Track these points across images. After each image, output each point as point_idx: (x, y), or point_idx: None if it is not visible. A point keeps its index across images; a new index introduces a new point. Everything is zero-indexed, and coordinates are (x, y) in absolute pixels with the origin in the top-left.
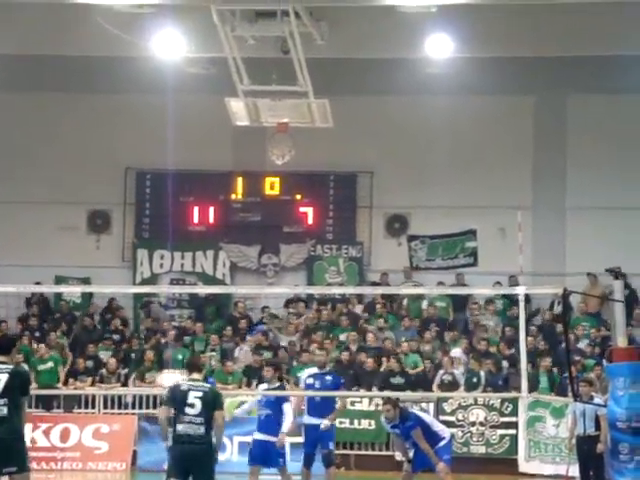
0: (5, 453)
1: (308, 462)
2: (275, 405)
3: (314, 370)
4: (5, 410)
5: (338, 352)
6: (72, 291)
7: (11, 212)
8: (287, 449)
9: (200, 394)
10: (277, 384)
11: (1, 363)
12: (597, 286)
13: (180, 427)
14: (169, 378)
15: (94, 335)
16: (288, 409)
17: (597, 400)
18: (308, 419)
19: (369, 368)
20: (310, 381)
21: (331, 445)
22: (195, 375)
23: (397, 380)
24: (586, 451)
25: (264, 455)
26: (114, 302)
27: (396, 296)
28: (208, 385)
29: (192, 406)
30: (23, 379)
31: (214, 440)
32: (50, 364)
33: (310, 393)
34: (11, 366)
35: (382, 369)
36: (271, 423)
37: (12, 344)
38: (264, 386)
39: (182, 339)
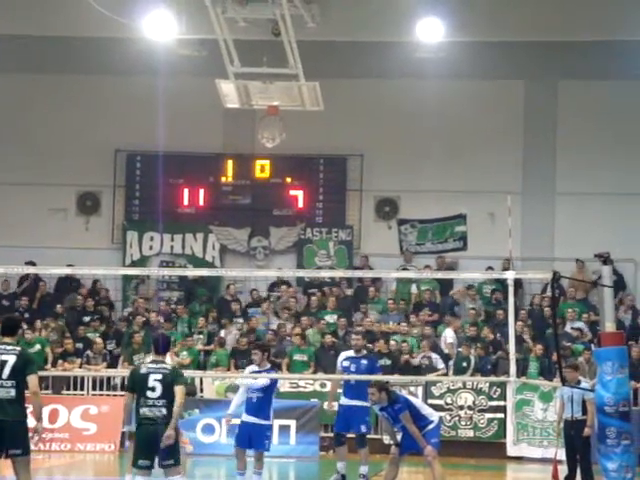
0: (12, 436)
1: (338, 441)
2: (267, 388)
3: (350, 353)
4: (13, 392)
5: (321, 336)
6: (61, 273)
7: (1, 194)
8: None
9: (160, 376)
10: (268, 366)
11: (8, 344)
12: (584, 272)
13: (143, 410)
14: None
15: (83, 317)
16: (260, 380)
17: (584, 384)
18: (344, 400)
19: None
20: (346, 364)
21: (363, 428)
22: (159, 357)
23: (384, 362)
24: (573, 435)
25: (251, 438)
26: (98, 283)
27: (380, 280)
28: (169, 366)
29: (153, 389)
30: (29, 359)
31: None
32: (37, 346)
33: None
34: (18, 348)
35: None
36: (262, 406)
37: (18, 325)
38: (253, 368)
39: (173, 321)
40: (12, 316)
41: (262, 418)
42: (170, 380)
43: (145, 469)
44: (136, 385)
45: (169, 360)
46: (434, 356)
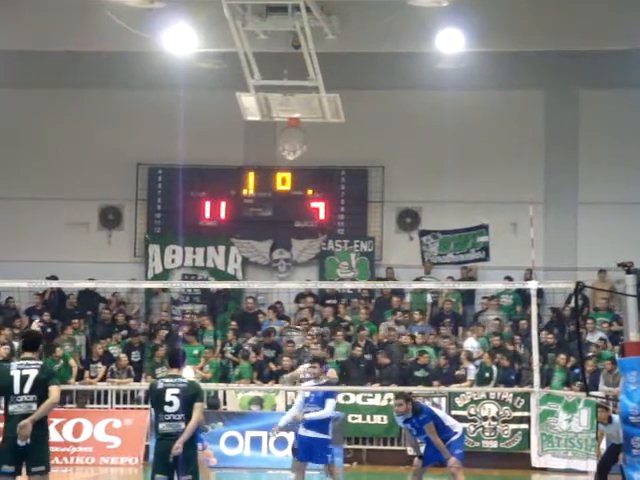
0: (35, 453)
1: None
2: (323, 401)
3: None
4: (35, 407)
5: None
6: (83, 287)
7: (23, 208)
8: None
9: (177, 391)
10: (324, 380)
11: (30, 359)
12: (606, 281)
13: (161, 425)
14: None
15: (107, 330)
16: (329, 404)
17: (615, 418)
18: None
19: (385, 364)
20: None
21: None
22: (174, 371)
23: (421, 373)
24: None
25: (311, 451)
26: (116, 296)
27: (402, 291)
28: (186, 380)
29: (170, 404)
30: (51, 373)
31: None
32: (61, 361)
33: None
34: (40, 362)
35: (405, 362)
36: (321, 421)
37: (39, 341)
38: (310, 383)
39: (196, 334)
40: (33, 331)
41: (322, 432)
42: (189, 394)
43: None
44: (153, 400)
45: (192, 373)
46: (471, 367)
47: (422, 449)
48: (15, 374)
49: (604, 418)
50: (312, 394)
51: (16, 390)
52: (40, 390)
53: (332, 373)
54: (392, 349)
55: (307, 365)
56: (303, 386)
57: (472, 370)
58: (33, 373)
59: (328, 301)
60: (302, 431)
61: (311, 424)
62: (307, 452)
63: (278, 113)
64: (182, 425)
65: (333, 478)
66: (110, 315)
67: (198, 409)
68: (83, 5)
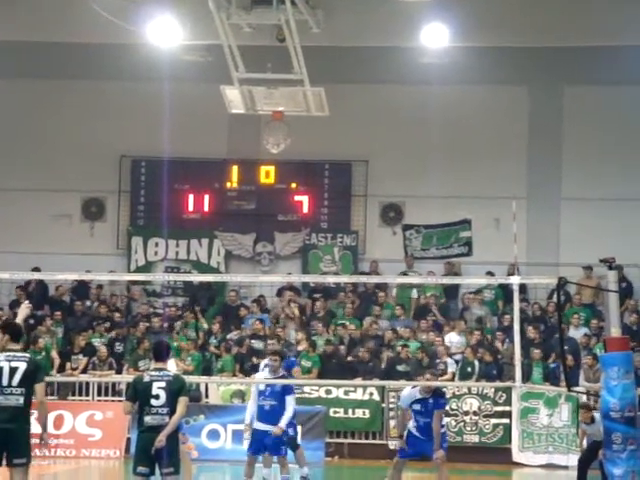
0: (18, 445)
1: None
2: (280, 396)
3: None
4: (22, 400)
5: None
6: (67, 278)
7: (5, 199)
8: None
9: (163, 384)
10: (281, 373)
11: (17, 351)
12: (591, 278)
13: (147, 418)
14: None
15: (86, 322)
16: (291, 402)
17: (597, 417)
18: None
19: (366, 358)
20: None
21: (291, 431)
22: (159, 364)
23: (403, 367)
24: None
25: (266, 444)
26: (100, 289)
27: (386, 285)
28: (171, 373)
29: (157, 397)
30: (39, 367)
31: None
32: (43, 352)
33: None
34: (27, 355)
35: (386, 357)
36: (275, 414)
37: (22, 331)
38: (265, 374)
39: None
40: (15, 322)
41: (276, 424)
42: (174, 388)
43: (144, 476)
44: (139, 394)
45: (174, 366)
46: (449, 361)
47: (404, 437)
48: (4, 365)
49: (587, 418)
50: (268, 387)
51: (4, 382)
52: (28, 383)
53: (297, 372)
54: (368, 343)
55: (267, 360)
56: (258, 378)
57: (451, 364)
58: (22, 366)
59: (315, 295)
60: (257, 425)
61: (266, 417)
62: (260, 445)
63: (262, 106)
64: (167, 418)
65: (285, 470)
66: (82, 307)
67: (182, 403)
68: None
